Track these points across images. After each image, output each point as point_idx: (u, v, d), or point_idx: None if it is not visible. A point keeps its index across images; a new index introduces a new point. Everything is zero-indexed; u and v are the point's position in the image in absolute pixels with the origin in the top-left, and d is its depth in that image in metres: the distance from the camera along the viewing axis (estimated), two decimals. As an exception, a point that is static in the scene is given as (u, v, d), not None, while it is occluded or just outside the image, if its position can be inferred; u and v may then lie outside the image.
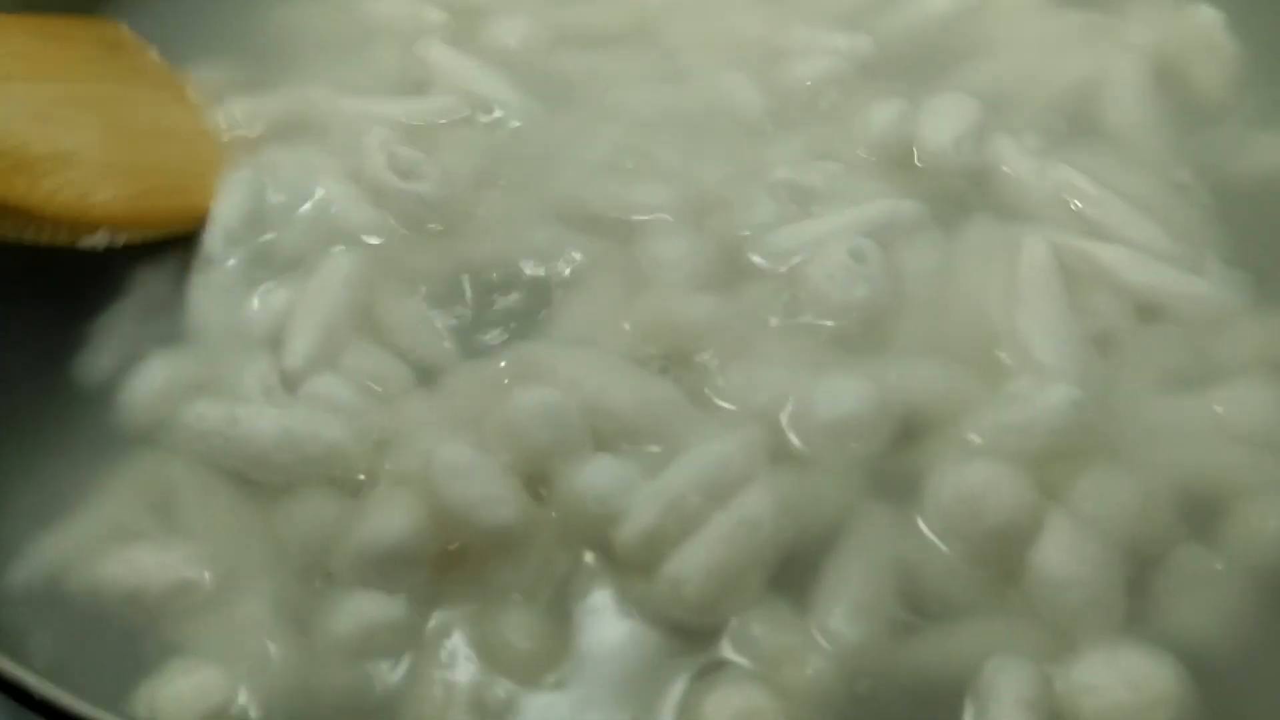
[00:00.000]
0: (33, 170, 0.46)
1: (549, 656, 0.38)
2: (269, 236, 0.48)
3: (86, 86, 0.52)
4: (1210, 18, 0.55)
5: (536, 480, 0.40)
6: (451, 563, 0.39)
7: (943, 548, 0.39)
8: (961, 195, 0.49)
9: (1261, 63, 0.54)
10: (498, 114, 0.52)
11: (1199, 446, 0.42)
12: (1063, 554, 0.38)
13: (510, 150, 0.51)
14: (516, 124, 0.52)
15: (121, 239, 0.48)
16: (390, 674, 0.38)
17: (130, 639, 0.39)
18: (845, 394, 0.41)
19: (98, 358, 0.46)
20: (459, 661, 0.38)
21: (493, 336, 0.45)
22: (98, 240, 0.47)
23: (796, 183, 0.48)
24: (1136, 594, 0.39)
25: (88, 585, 0.40)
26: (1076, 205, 0.48)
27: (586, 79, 0.54)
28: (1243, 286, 0.46)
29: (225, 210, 0.48)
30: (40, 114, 0.49)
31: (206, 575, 0.40)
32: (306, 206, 0.49)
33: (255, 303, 0.46)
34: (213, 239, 0.48)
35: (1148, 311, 0.45)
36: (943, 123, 0.50)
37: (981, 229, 0.47)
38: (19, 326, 0.47)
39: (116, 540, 0.41)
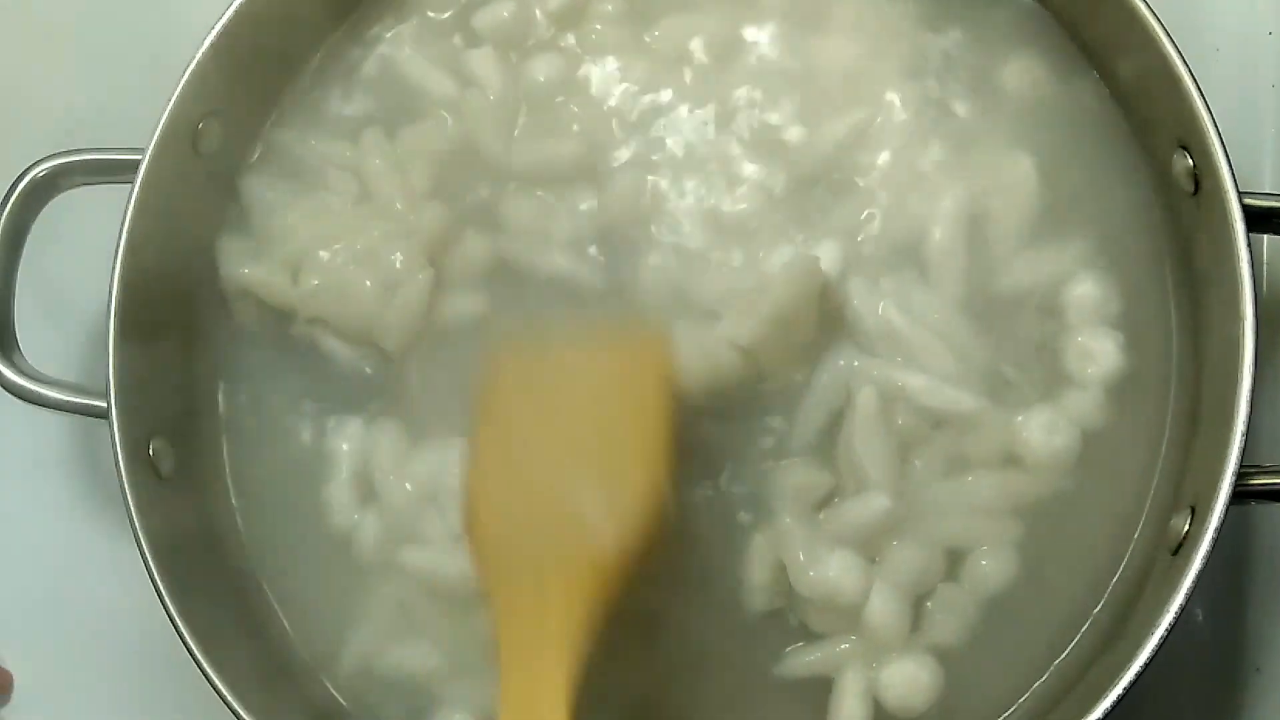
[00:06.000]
0: None
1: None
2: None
3: None
4: (1026, 166, 0.75)
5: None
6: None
7: (816, 603, 0.74)
8: (832, 326, 0.75)
9: (1052, 205, 0.75)
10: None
11: (956, 517, 0.73)
12: (880, 610, 0.71)
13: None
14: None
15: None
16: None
17: (412, 697, 0.77)
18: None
19: (333, 517, 0.79)
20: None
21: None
22: None
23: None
24: (917, 618, 0.74)
25: (380, 669, 0.77)
26: (898, 336, 0.75)
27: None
28: (991, 397, 0.74)
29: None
30: None
31: (439, 660, 0.76)
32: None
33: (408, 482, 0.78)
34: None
35: (935, 422, 0.73)
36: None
37: (842, 359, 0.76)
38: (274, 482, 0.81)
39: (389, 639, 0.77)
